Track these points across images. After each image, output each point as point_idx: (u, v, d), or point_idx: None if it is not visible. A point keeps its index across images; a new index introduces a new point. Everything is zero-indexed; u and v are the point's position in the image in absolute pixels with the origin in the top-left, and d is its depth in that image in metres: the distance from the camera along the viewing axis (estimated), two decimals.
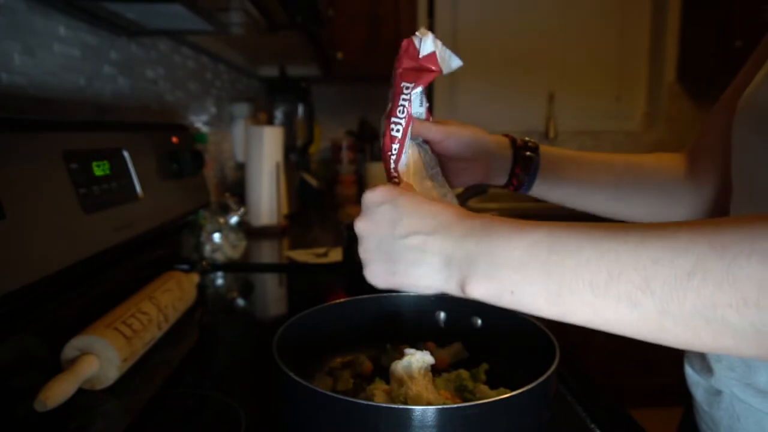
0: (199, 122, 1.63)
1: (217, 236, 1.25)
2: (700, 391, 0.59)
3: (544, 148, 0.70)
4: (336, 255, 1.32)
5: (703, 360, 0.58)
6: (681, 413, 0.69)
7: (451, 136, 0.62)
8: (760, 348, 0.30)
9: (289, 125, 2.15)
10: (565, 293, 0.34)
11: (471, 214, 0.41)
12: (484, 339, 0.66)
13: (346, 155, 2.68)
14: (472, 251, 0.38)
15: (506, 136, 0.70)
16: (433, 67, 0.52)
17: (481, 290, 0.37)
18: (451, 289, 0.40)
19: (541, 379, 0.47)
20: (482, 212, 0.43)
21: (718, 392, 0.55)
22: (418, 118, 0.56)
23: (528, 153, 0.68)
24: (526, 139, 0.70)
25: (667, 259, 0.31)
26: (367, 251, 0.43)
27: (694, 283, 0.30)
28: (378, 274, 0.43)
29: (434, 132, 0.60)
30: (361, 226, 0.44)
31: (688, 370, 0.60)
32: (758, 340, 0.29)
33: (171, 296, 0.86)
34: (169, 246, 1.09)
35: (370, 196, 0.44)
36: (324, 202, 2.31)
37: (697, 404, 0.60)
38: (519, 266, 0.36)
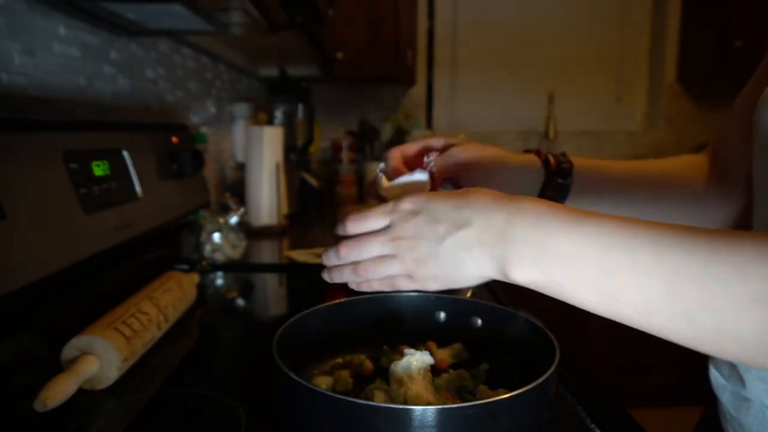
0: (199, 122, 1.63)
1: (217, 236, 1.24)
2: (726, 395, 0.57)
3: (578, 164, 0.63)
4: None
5: (732, 368, 0.56)
6: (680, 413, 0.68)
7: (475, 165, 0.59)
8: None
9: (289, 125, 2.15)
10: (617, 295, 0.33)
11: (507, 197, 0.39)
12: (484, 339, 0.66)
13: (346, 155, 2.68)
14: (517, 237, 0.37)
15: (535, 153, 0.64)
16: None
17: (526, 277, 0.37)
18: (493, 274, 0.39)
19: (541, 379, 0.46)
20: None
21: (747, 399, 0.54)
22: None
23: (561, 180, 0.62)
24: (561, 158, 0.63)
25: (734, 282, 0.30)
26: (416, 261, 0.42)
27: (756, 314, 0.29)
28: (430, 278, 0.43)
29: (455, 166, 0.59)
30: (403, 244, 0.42)
31: (714, 374, 0.58)
32: None
33: (171, 296, 0.86)
34: (169, 246, 1.09)
35: (400, 213, 0.42)
36: (324, 202, 2.31)
37: (723, 407, 0.58)
38: (571, 261, 0.35)
